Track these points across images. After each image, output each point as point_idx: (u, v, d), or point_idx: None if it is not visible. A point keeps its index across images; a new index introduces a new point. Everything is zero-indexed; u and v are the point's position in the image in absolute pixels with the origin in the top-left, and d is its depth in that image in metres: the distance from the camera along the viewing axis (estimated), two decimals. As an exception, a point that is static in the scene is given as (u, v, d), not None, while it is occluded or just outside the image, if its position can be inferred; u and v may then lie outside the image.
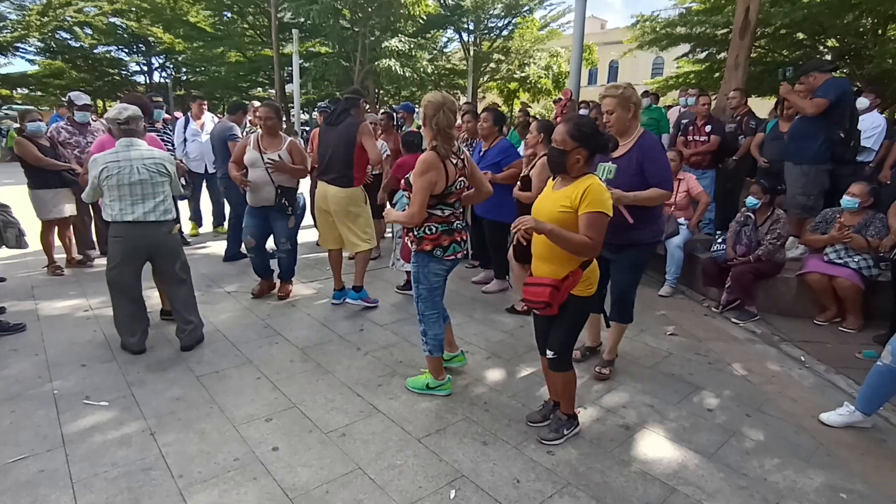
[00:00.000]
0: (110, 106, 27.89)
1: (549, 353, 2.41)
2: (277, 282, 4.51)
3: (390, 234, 5.98)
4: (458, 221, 2.80)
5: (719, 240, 4.50)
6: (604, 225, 2.22)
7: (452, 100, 2.77)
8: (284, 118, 21.17)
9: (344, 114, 4.02)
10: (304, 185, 6.23)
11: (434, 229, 2.71)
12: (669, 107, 8.73)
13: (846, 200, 4.00)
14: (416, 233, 2.75)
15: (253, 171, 4.05)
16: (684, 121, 5.97)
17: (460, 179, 2.72)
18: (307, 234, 6.43)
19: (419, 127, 6.46)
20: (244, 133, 5.46)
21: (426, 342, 2.89)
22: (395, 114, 6.37)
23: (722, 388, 3.10)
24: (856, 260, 3.93)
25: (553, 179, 2.45)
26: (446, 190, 2.67)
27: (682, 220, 4.81)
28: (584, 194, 2.20)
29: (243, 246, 5.00)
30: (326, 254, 5.93)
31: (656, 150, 2.91)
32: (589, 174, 2.29)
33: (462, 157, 2.75)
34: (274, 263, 4.49)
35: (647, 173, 2.85)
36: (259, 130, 4.18)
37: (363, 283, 4.23)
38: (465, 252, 2.86)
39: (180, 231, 3.61)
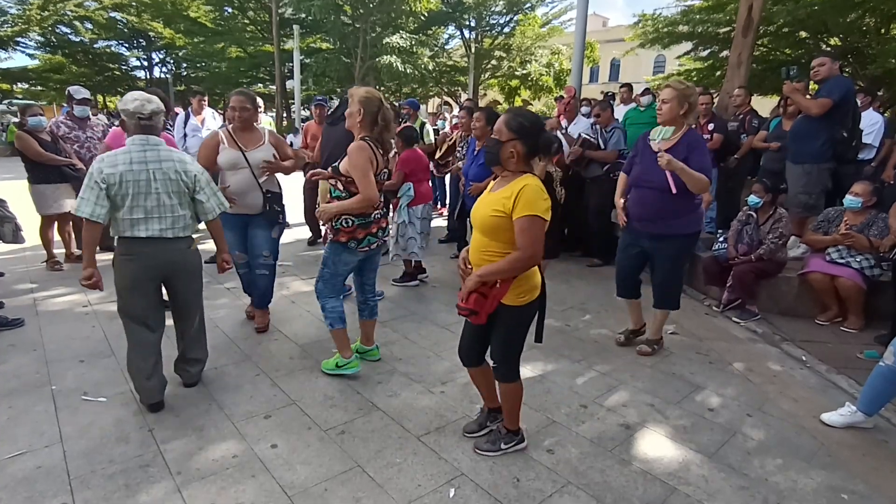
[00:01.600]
0: (111, 101, 27.85)
1: (491, 363, 2.30)
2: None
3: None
4: (376, 212, 2.90)
5: (721, 238, 4.49)
6: (538, 231, 2.00)
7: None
8: (285, 113, 21.13)
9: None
10: (296, 184, 6.22)
11: (350, 222, 2.83)
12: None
13: (849, 200, 3.98)
14: (333, 224, 2.85)
15: (234, 174, 3.35)
16: (686, 119, 5.95)
17: (383, 171, 2.89)
18: (300, 232, 6.42)
19: (423, 124, 6.45)
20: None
21: (326, 316, 2.98)
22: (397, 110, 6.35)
23: (723, 388, 3.09)
24: (858, 260, 3.91)
25: (494, 179, 2.29)
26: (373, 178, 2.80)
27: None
28: (518, 196, 2.00)
29: None
30: (321, 251, 5.95)
31: (701, 144, 3.12)
32: (528, 174, 2.09)
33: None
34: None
35: (691, 162, 3.01)
36: (229, 125, 3.49)
37: None
38: (381, 242, 2.98)
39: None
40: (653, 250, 3.31)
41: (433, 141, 6.49)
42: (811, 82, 4.55)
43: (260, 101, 5.78)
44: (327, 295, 2.99)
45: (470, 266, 2.19)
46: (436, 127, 8.64)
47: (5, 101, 22.31)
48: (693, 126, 5.60)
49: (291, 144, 8.04)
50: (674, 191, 3.03)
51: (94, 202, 2.40)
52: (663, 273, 3.33)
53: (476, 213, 2.16)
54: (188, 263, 2.72)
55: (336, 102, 6.32)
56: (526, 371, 3.21)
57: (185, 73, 28.35)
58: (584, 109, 6.57)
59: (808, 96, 4.51)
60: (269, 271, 3.61)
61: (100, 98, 26.17)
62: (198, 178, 2.63)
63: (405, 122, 6.10)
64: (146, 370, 2.59)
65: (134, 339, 2.61)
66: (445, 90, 25.69)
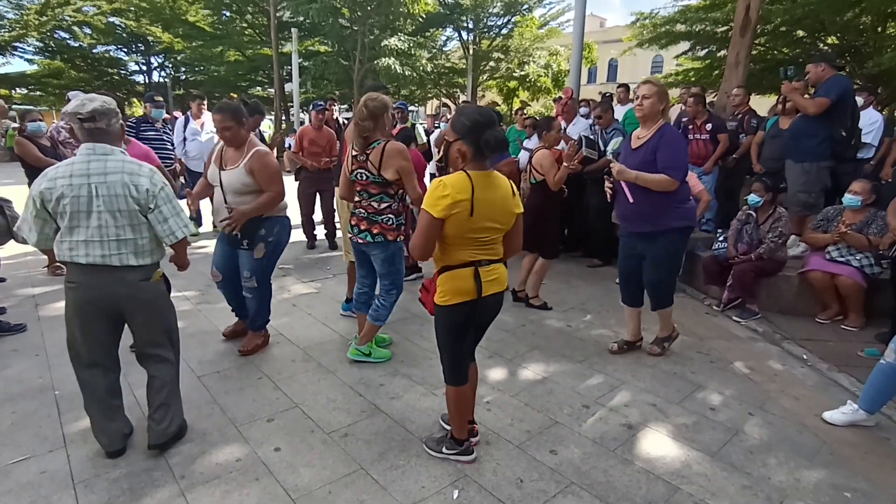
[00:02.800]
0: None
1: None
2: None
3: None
4: (360, 210, 3.11)
5: (720, 238, 4.50)
6: (422, 223, 2.00)
7: (374, 96, 2.96)
8: (283, 116, 21.13)
9: None
10: (292, 189, 6.22)
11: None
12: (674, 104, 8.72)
13: (848, 199, 3.99)
14: None
15: (217, 191, 3.17)
16: (684, 119, 5.96)
17: (359, 171, 3.01)
18: (301, 235, 6.42)
19: (413, 125, 6.49)
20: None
21: None
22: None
23: (724, 387, 3.09)
24: (857, 258, 3.92)
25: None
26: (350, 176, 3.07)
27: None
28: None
29: None
30: (322, 254, 5.99)
31: (673, 139, 3.07)
32: (460, 172, 2.04)
33: (368, 152, 2.94)
34: None
35: (657, 159, 3.00)
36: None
37: None
38: (355, 238, 3.12)
39: (165, 278, 2.50)
40: (644, 250, 3.29)
41: (425, 141, 6.53)
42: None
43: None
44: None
45: None
46: (437, 127, 8.68)
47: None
48: (692, 124, 5.61)
49: (289, 147, 8.04)
50: (630, 200, 3.08)
51: (30, 224, 2.15)
52: (651, 271, 3.29)
53: None
54: (143, 299, 2.25)
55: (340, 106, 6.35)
56: (528, 372, 3.22)
57: (183, 77, 28.32)
58: (582, 110, 6.57)
59: (806, 96, 4.53)
60: (253, 294, 3.28)
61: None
62: (152, 192, 2.16)
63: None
64: (99, 419, 2.28)
65: (82, 382, 2.29)
66: (444, 92, 25.68)
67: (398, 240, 3.10)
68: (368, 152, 2.94)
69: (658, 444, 2.51)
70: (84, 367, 2.28)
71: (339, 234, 6.09)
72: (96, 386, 2.29)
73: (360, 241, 3.10)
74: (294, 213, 6.27)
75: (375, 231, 3.04)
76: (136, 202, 2.14)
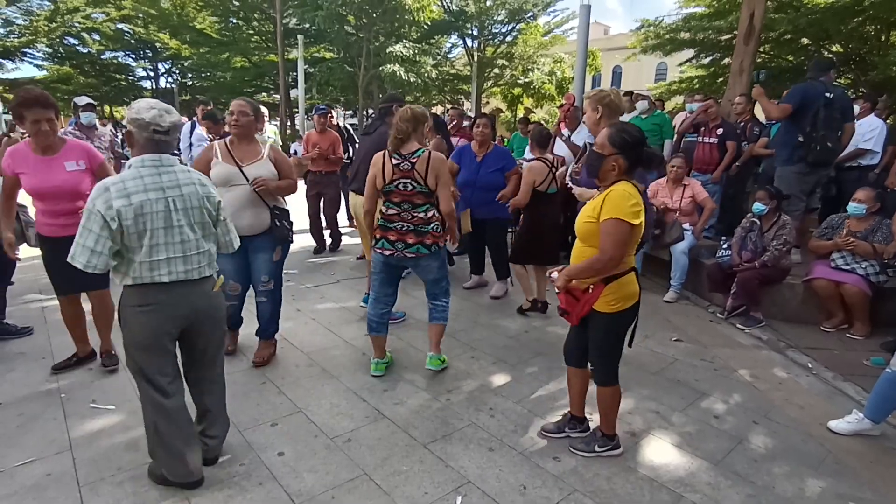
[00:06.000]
0: (117, 111, 28.07)
1: (589, 365, 2.46)
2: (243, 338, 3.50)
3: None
4: (401, 223, 2.97)
5: (724, 245, 4.50)
6: (620, 233, 2.09)
7: (418, 107, 3.03)
8: (289, 122, 21.28)
9: (377, 121, 3.96)
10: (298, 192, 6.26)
11: (378, 221, 3.06)
12: (679, 111, 8.75)
13: (852, 207, 3.99)
14: None
15: (228, 191, 2.94)
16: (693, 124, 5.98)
17: (402, 181, 2.90)
18: (305, 240, 6.45)
19: None
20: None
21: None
22: None
23: (728, 395, 3.08)
24: (863, 266, 3.91)
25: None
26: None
27: (686, 225, 4.81)
28: (605, 201, 2.13)
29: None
30: (326, 258, 6.00)
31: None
32: (622, 181, 2.17)
33: (413, 161, 2.87)
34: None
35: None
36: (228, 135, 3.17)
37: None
38: (398, 253, 2.98)
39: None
40: None
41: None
42: None
43: (265, 110, 5.84)
44: (372, 296, 3.19)
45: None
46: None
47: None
48: (704, 126, 5.64)
49: (295, 153, 8.11)
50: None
51: (92, 248, 1.86)
52: None
53: (577, 221, 2.30)
54: (214, 309, 2.18)
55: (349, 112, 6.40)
56: (531, 379, 3.22)
57: (190, 83, 28.59)
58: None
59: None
60: (268, 298, 3.24)
61: (106, 108, 26.41)
62: (220, 203, 2.19)
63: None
64: (178, 451, 2.08)
65: (166, 414, 2.06)
66: (448, 98, 25.79)
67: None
68: (413, 161, 2.86)
69: (662, 452, 2.51)
70: (167, 397, 2.06)
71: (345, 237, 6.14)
72: (179, 412, 2.10)
73: (409, 255, 2.97)
74: (303, 216, 6.34)
75: (429, 242, 2.97)
76: (209, 214, 2.13)
